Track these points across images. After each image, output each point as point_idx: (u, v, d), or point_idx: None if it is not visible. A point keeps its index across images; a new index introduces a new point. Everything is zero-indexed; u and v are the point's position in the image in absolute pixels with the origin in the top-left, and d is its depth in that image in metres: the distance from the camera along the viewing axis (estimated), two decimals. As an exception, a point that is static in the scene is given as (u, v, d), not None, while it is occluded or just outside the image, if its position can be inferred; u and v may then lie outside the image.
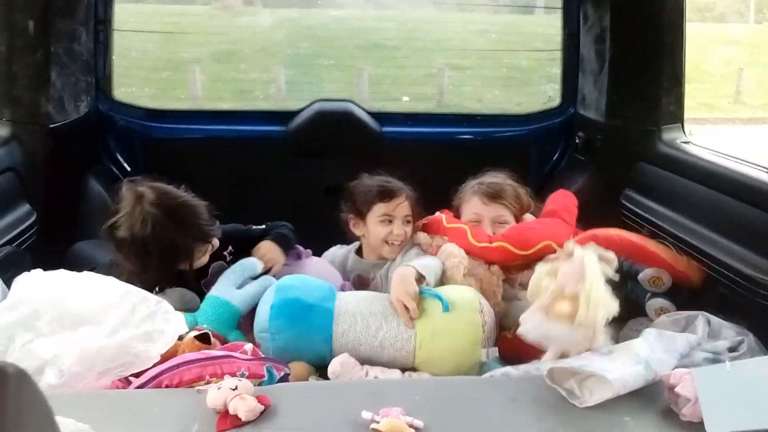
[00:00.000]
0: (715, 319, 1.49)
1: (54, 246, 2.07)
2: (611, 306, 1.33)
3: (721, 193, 1.80)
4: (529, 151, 2.66)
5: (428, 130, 2.68)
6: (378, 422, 1.06)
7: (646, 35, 2.20)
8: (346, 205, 1.99)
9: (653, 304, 1.80)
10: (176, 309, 1.46)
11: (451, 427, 1.11)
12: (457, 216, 2.03)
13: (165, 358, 1.33)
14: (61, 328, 1.33)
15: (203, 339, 1.40)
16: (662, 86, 2.20)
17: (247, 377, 1.24)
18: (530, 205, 2.05)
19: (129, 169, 2.52)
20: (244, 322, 1.64)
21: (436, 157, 2.47)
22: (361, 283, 1.94)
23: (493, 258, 1.81)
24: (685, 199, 1.97)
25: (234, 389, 1.12)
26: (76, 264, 2.02)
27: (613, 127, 2.32)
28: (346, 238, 2.04)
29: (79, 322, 1.34)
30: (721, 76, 10.61)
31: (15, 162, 2.00)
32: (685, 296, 1.84)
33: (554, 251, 1.53)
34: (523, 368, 1.43)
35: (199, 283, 1.74)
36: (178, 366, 1.25)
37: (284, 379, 1.34)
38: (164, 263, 1.66)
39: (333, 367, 1.43)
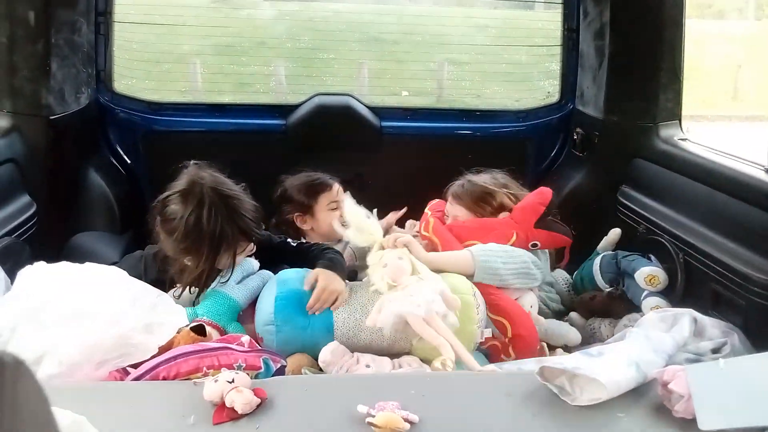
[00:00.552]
0: (702, 317, 1.50)
1: (54, 237, 2.07)
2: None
3: (718, 191, 1.81)
4: (527, 147, 2.67)
5: (427, 125, 2.68)
6: (374, 416, 1.06)
7: (646, 31, 2.20)
8: (289, 206, 2.06)
9: (649, 303, 1.82)
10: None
11: (446, 421, 1.12)
12: None
13: (162, 350, 1.34)
14: (63, 319, 1.34)
15: (199, 331, 1.41)
16: (661, 83, 2.20)
17: (244, 369, 1.25)
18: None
19: (129, 161, 2.53)
20: (243, 315, 1.65)
21: (434, 152, 2.48)
22: None
23: (428, 249, 1.87)
24: (682, 196, 1.97)
25: (231, 382, 1.12)
26: (76, 255, 2.03)
27: (611, 123, 2.33)
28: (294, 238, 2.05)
29: (80, 313, 1.35)
30: (720, 73, 10.60)
31: (15, 153, 2.00)
32: (679, 293, 1.85)
33: None
34: (506, 366, 1.53)
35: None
36: (175, 358, 1.26)
37: (281, 370, 1.35)
38: (210, 248, 1.60)
39: (323, 355, 1.44)
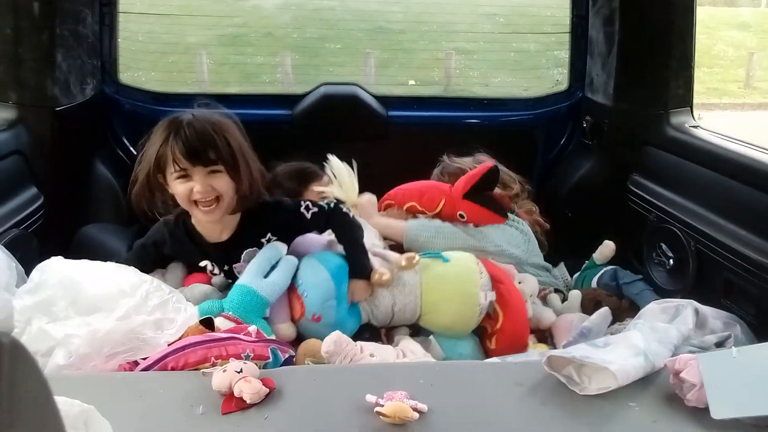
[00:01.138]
0: (703, 308, 1.48)
1: (60, 228, 2.08)
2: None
3: (730, 178, 1.78)
4: (536, 136, 2.65)
5: (434, 114, 2.66)
6: (382, 405, 1.06)
7: (656, 18, 2.17)
8: (278, 191, 2.03)
9: None
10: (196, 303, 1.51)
11: (455, 410, 1.11)
12: None
13: (170, 342, 1.34)
14: (76, 313, 1.36)
15: (207, 324, 1.41)
16: (671, 70, 2.17)
17: (252, 359, 1.25)
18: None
19: (135, 152, 2.52)
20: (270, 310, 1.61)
21: (442, 142, 2.46)
22: None
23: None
24: (693, 183, 1.95)
25: (239, 372, 1.12)
26: (84, 246, 2.03)
27: (621, 111, 2.30)
28: None
29: (93, 308, 1.37)
30: (731, 60, 10.49)
31: (21, 145, 2.00)
32: (690, 282, 1.84)
33: (419, 210, 2.01)
34: (509, 359, 1.51)
35: (230, 265, 1.71)
36: (183, 348, 1.26)
37: (289, 360, 1.35)
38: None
39: (326, 345, 1.43)
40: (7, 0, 1.96)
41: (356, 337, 1.55)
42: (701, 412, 1.08)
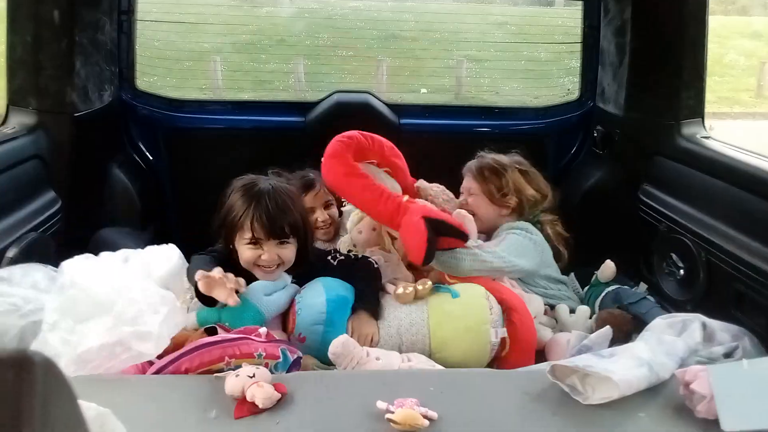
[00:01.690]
0: (711, 322, 1.48)
1: (78, 233, 2.11)
2: None
3: (741, 189, 1.78)
4: (546, 145, 2.65)
5: (446, 123, 2.68)
6: (393, 412, 1.07)
7: (668, 28, 2.17)
8: None
9: None
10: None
11: (465, 418, 1.12)
12: None
13: (176, 344, 1.36)
14: (78, 317, 1.34)
15: (211, 333, 1.43)
16: (683, 80, 2.17)
17: (264, 357, 1.27)
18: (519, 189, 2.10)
19: (151, 158, 2.56)
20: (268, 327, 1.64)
21: (453, 150, 2.47)
22: None
23: None
24: (705, 194, 1.95)
25: (252, 377, 1.14)
26: (100, 250, 2.06)
27: (632, 120, 2.31)
28: None
29: (92, 313, 1.35)
30: (743, 69, 10.42)
31: (41, 149, 2.03)
32: (701, 293, 1.83)
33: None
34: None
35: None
36: (197, 348, 1.28)
37: (297, 361, 1.37)
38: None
39: (334, 347, 1.44)
40: (28, 9, 2.00)
41: None
42: (711, 424, 1.08)
